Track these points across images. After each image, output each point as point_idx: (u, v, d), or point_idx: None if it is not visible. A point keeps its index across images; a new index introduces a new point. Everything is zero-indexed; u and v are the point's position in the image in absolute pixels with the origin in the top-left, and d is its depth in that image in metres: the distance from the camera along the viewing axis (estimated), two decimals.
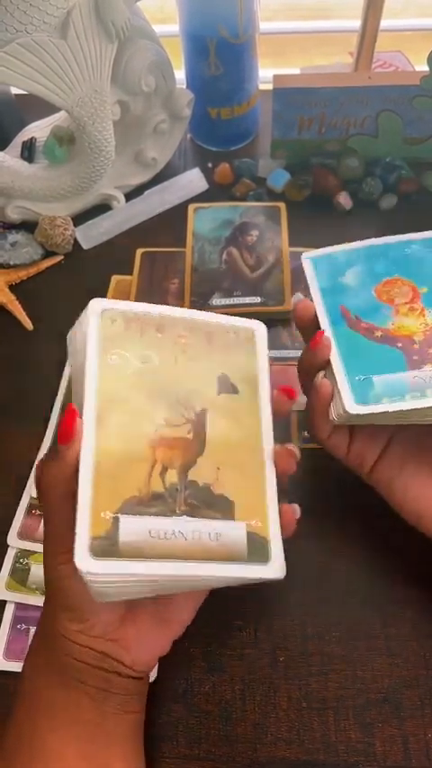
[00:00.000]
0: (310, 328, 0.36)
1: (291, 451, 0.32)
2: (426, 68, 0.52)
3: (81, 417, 0.28)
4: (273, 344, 0.49)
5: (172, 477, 0.29)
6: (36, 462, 0.42)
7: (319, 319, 0.35)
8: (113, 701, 0.30)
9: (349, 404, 0.32)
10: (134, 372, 0.30)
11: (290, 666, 0.36)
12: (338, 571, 0.39)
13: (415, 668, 0.36)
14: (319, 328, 0.35)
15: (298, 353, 0.37)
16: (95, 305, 0.31)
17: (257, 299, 0.50)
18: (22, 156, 0.58)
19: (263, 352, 0.34)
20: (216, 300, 0.50)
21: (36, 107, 0.58)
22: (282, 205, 0.56)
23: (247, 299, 0.50)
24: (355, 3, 0.61)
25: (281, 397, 0.33)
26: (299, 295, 0.36)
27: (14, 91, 0.65)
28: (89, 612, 0.30)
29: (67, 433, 0.28)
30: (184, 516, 0.28)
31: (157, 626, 0.32)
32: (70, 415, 0.28)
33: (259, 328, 0.35)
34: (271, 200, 0.58)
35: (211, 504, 0.29)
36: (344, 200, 0.57)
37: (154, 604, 0.32)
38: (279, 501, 0.31)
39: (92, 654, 0.30)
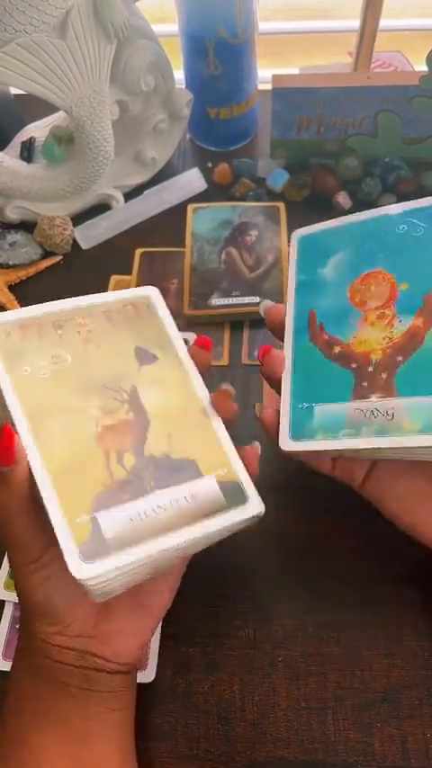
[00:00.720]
0: (281, 332, 0.35)
1: (225, 392, 0.32)
2: (425, 68, 0.52)
3: (17, 434, 0.27)
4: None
5: (130, 460, 0.29)
6: None
7: (286, 325, 0.35)
8: (97, 700, 0.30)
9: (283, 439, 0.31)
10: (51, 375, 0.30)
11: (289, 666, 0.36)
12: (338, 571, 0.39)
13: (414, 668, 0.36)
14: None
15: None
16: None
17: (256, 299, 0.50)
18: (21, 156, 0.58)
19: (165, 314, 0.34)
20: (215, 300, 0.50)
21: (35, 107, 0.58)
22: (281, 205, 0.56)
23: (246, 299, 0.50)
24: (354, 3, 0.61)
25: (198, 350, 0.33)
26: (268, 301, 0.36)
27: (13, 91, 0.64)
28: (65, 614, 0.29)
29: (7, 454, 0.27)
30: (156, 491, 0.28)
31: (135, 616, 0.31)
32: (7, 435, 0.27)
33: (152, 293, 0.34)
34: (270, 200, 0.58)
35: (176, 469, 0.29)
36: (343, 200, 0.57)
37: (130, 595, 0.31)
38: (235, 444, 0.31)
39: (71, 654, 0.29)
